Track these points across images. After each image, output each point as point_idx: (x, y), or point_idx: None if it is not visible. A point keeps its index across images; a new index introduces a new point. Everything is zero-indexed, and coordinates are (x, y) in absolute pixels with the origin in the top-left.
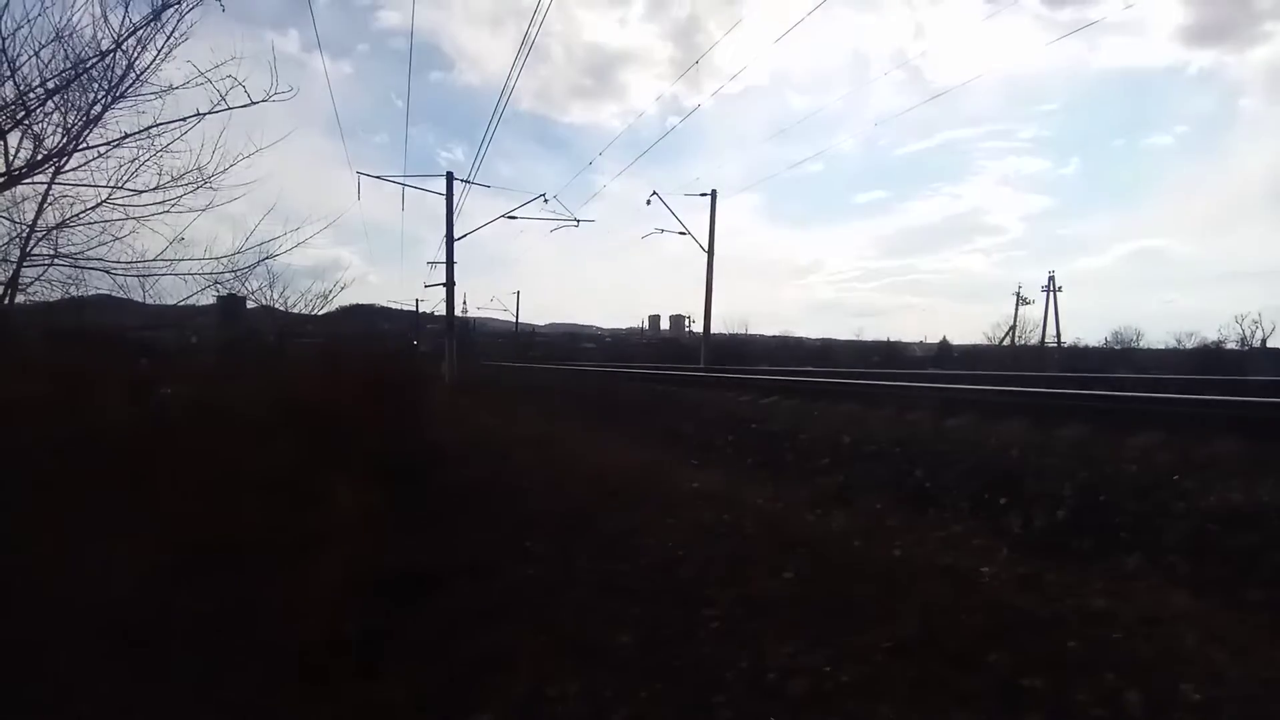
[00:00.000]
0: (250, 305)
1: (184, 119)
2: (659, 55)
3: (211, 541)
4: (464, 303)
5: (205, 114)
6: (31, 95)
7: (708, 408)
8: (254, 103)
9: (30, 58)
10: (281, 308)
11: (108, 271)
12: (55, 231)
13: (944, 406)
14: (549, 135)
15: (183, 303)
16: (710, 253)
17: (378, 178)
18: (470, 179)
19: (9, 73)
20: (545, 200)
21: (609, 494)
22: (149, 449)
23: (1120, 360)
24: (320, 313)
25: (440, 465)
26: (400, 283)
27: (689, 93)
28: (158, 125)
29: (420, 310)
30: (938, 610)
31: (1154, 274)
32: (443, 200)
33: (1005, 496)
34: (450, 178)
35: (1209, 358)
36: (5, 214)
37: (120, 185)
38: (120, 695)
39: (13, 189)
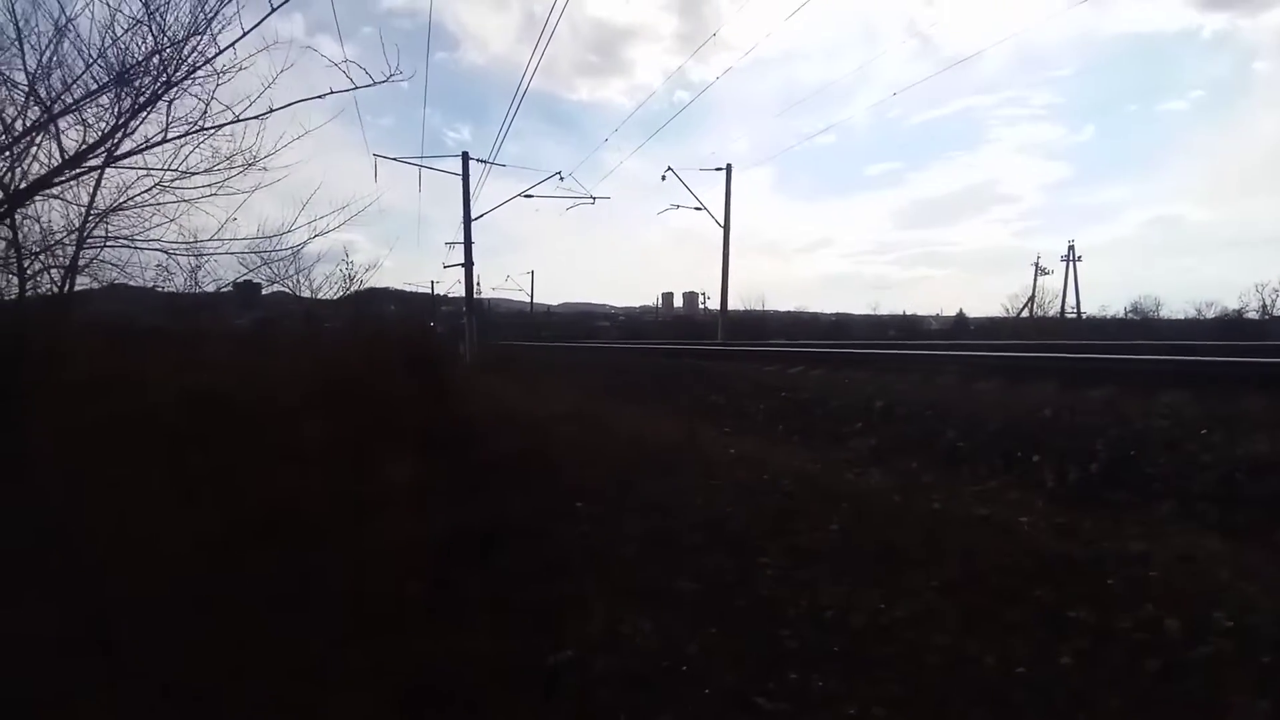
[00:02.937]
0: (266, 291)
1: (219, 126)
2: (664, 29)
3: (266, 513)
4: (478, 283)
5: (241, 118)
6: (78, 85)
7: (735, 379)
8: (323, 95)
9: (80, 51)
10: (306, 293)
11: (164, 251)
12: (110, 215)
13: (971, 371)
14: (556, 113)
15: (241, 279)
16: (726, 227)
17: (395, 160)
18: (491, 159)
19: (55, 63)
20: (561, 178)
21: (649, 461)
22: (199, 428)
23: (1142, 333)
24: (337, 297)
25: (478, 439)
26: (416, 265)
27: (696, 66)
28: (212, 116)
29: (435, 292)
30: (980, 554)
31: (1172, 241)
32: (452, 181)
33: (1038, 454)
34: (466, 158)
35: (1230, 327)
36: (60, 198)
37: (172, 169)
38: (193, 657)
39: (69, 175)
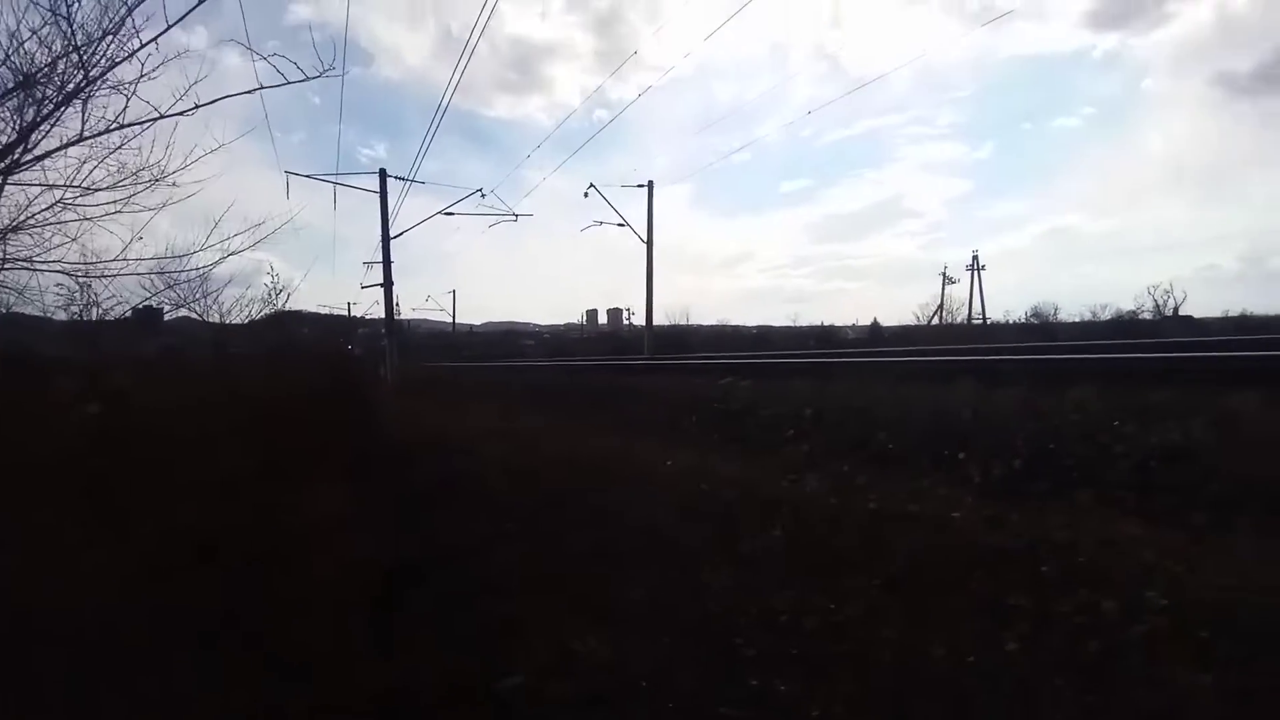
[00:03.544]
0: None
1: (142, 121)
2: (582, 48)
3: (182, 550)
4: (397, 304)
5: (165, 115)
6: None
7: (665, 392)
8: (221, 98)
9: None
10: (215, 318)
11: (65, 273)
12: (8, 235)
13: (896, 376)
14: (476, 129)
15: (142, 304)
16: (650, 243)
17: (308, 177)
18: (410, 177)
19: None
20: (483, 196)
21: (585, 476)
22: (102, 462)
23: (1043, 336)
24: (248, 321)
25: (406, 462)
26: (330, 286)
27: (615, 84)
28: (122, 127)
29: (352, 314)
30: (918, 550)
31: (1068, 250)
32: (368, 199)
33: (963, 451)
34: (384, 174)
35: (1124, 327)
36: None
37: (75, 185)
38: (124, 704)
39: None
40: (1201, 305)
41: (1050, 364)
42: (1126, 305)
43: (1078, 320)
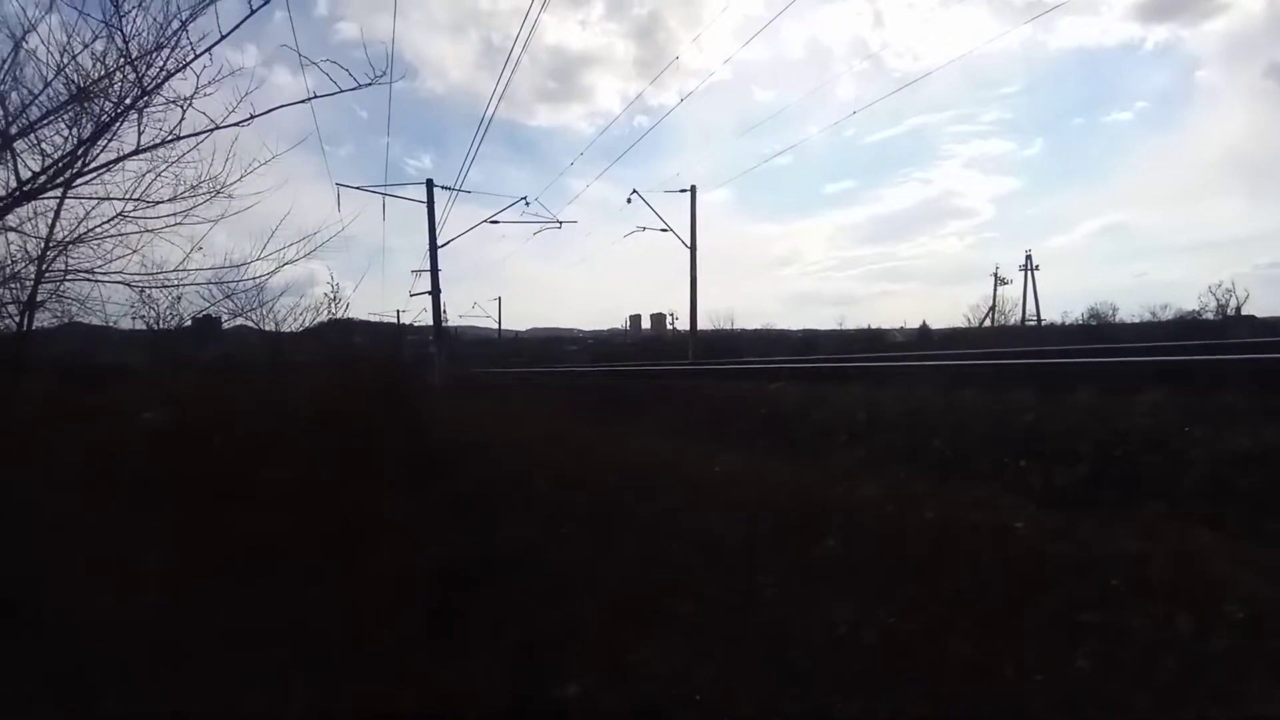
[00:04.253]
0: (227, 325)
1: (198, 133)
2: (621, 55)
3: (248, 553)
4: (445, 311)
5: (220, 126)
6: (35, 107)
7: (713, 398)
8: (276, 108)
9: (38, 71)
10: (269, 326)
11: (127, 284)
12: (70, 246)
13: (949, 380)
14: (518, 139)
15: (201, 314)
16: (693, 248)
17: (358, 189)
18: (457, 186)
19: (12, 83)
20: (527, 204)
21: (634, 482)
22: (160, 466)
23: (1099, 338)
24: (301, 329)
25: (458, 467)
26: (380, 295)
27: (655, 91)
28: (179, 139)
29: (401, 322)
30: (982, 562)
31: (1123, 248)
32: (415, 210)
33: (1025, 459)
34: (430, 185)
35: (1189, 328)
36: (18, 230)
37: (135, 198)
38: (172, 708)
39: (26, 205)
40: (1263, 305)
41: (1116, 367)
42: (1187, 305)
43: (1137, 321)
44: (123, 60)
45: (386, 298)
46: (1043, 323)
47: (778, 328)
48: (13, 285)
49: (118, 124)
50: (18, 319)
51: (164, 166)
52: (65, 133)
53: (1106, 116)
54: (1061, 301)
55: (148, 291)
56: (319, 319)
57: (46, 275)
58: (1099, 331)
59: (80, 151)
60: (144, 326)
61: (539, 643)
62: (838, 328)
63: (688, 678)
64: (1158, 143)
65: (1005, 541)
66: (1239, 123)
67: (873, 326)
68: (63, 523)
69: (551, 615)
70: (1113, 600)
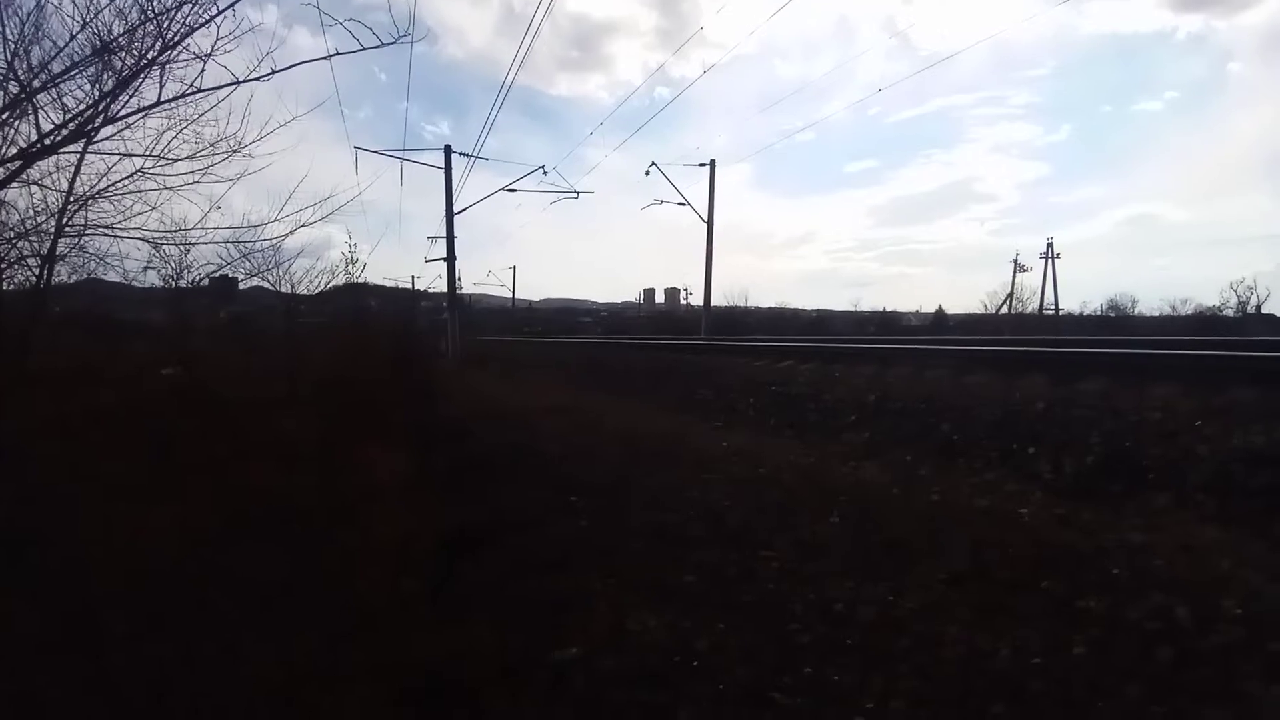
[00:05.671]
0: (243, 286)
1: (219, 87)
2: (644, 25)
3: (257, 508)
4: (459, 279)
5: (242, 81)
6: (57, 61)
7: (723, 374)
8: (297, 64)
9: (63, 24)
10: (285, 288)
11: (146, 240)
12: (90, 201)
13: (961, 365)
14: (537, 107)
15: (218, 273)
16: (710, 223)
17: (376, 152)
18: (475, 153)
19: (35, 37)
20: (544, 173)
21: (641, 455)
22: (173, 421)
23: (1120, 330)
24: (317, 292)
25: (467, 433)
26: (395, 260)
27: (676, 62)
28: (199, 92)
29: (416, 288)
30: (985, 546)
31: (1148, 240)
32: (433, 175)
33: (1033, 446)
34: (448, 151)
35: (1206, 324)
36: (39, 183)
37: (155, 154)
38: (181, 658)
39: (48, 158)
40: None
41: (1129, 358)
42: (1208, 300)
43: (1156, 315)
44: (145, 16)
45: (402, 263)
46: (1060, 312)
47: (792, 306)
48: (33, 238)
49: (139, 79)
50: (37, 271)
51: (184, 125)
52: (87, 88)
53: (1135, 105)
54: (1081, 291)
55: (165, 248)
56: (335, 282)
57: (67, 229)
58: (1116, 323)
59: (102, 105)
60: (161, 284)
61: (542, 607)
62: (852, 309)
63: (688, 646)
64: (1187, 134)
65: (1008, 526)
66: (1272, 118)
67: (887, 310)
68: (79, 473)
69: (555, 582)
70: (1113, 589)
